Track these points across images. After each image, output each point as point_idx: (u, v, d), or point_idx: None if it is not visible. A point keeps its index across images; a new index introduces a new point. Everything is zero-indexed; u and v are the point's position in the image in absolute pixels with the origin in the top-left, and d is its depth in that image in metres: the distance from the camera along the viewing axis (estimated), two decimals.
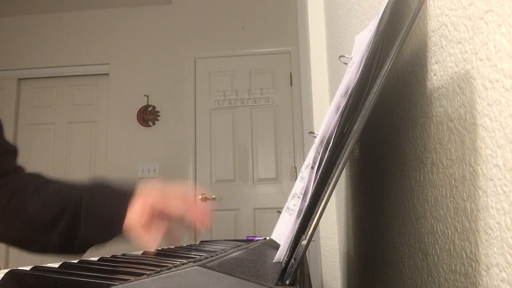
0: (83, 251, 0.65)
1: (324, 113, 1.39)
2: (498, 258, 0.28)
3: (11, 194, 0.66)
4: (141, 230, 0.57)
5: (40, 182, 0.68)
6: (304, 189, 0.42)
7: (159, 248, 0.59)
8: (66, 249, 0.65)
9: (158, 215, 0.59)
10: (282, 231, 0.56)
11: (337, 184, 0.35)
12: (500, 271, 0.27)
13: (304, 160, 2.80)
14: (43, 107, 3.52)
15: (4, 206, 0.65)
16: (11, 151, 0.72)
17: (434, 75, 0.39)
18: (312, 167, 0.42)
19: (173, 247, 0.67)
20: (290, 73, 3.32)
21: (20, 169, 0.72)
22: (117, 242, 0.63)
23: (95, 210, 0.61)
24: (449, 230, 0.35)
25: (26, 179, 0.69)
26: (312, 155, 0.49)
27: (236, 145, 3.28)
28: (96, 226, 0.61)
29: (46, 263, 0.37)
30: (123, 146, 3.33)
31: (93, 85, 3.54)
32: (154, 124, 3.35)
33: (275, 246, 0.60)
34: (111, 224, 0.59)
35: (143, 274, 0.28)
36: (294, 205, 0.52)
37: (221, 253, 0.44)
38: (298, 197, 0.47)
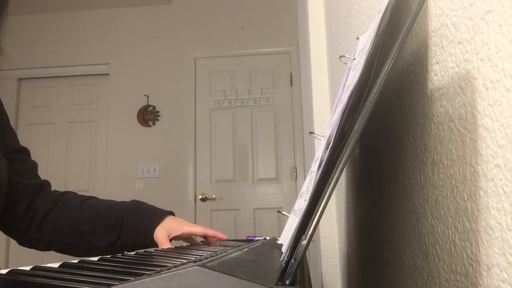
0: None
1: (324, 113, 1.39)
2: (499, 258, 0.28)
3: (49, 207, 0.78)
4: (165, 239, 0.73)
5: (81, 199, 0.81)
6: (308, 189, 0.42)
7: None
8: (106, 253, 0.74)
9: (181, 235, 0.77)
10: (287, 233, 0.57)
11: (337, 184, 0.35)
12: (501, 271, 0.27)
13: (304, 160, 2.78)
14: (43, 107, 3.52)
15: (42, 217, 0.77)
16: (37, 168, 0.84)
17: (435, 75, 0.39)
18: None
19: (173, 247, 0.67)
20: (290, 73, 3.32)
21: (48, 183, 0.83)
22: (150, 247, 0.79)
23: (133, 224, 0.76)
24: (450, 231, 0.35)
25: (66, 196, 0.82)
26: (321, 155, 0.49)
27: (236, 145, 3.28)
28: (133, 237, 0.76)
29: (46, 263, 0.37)
30: (123, 146, 3.33)
31: (93, 85, 3.54)
32: (154, 124, 3.35)
33: (275, 246, 0.60)
34: (145, 236, 0.75)
35: (143, 274, 0.28)
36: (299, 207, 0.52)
37: (221, 253, 0.44)
38: (305, 200, 0.47)
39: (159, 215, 0.78)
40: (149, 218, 0.77)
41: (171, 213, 0.80)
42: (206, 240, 0.79)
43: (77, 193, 0.85)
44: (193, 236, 0.80)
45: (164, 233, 0.74)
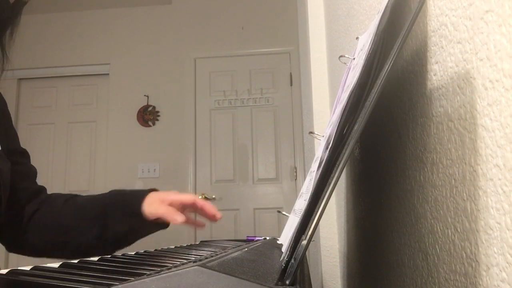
0: (112, 251, 0.74)
1: (324, 113, 1.39)
2: (498, 258, 0.28)
3: (35, 208, 0.76)
4: (161, 205, 0.69)
5: (65, 197, 0.78)
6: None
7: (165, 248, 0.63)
8: (97, 251, 0.73)
9: (171, 204, 0.71)
10: (287, 233, 0.57)
11: (337, 184, 0.35)
12: (500, 271, 0.27)
13: (304, 160, 2.77)
14: (43, 107, 3.52)
15: (27, 220, 0.75)
16: (35, 173, 0.82)
17: (434, 75, 0.39)
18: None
19: (173, 247, 0.67)
20: (290, 73, 3.32)
21: (44, 188, 0.81)
22: (144, 234, 0.75)
23: (118, 209, 0.72)
24: (449, 230, 0.35)
25: (51, 197, 0.79)
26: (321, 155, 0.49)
27: (236, 145, 3.28)
28: (122, 221, 0.71)
29: (46, 263, 0.37)
30: (123, 146, 3.33)
31: (93, 85, 3.54)
32: (154, 124, 3.35)
33: (275, 246, 0.60)
34: (134, 216, 0.70)
35: (143, 274, 0.28)
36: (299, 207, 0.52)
37: (221, 253, 0.44)
38: (305, 200, 0.47)
39: (141, 192, 0.74)
40: (132, 197, 0.73)
41: (154, 190, 0.76)
42: (194, 224, 0.75)
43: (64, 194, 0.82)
44: (188, 214, 0.76)
45: (157, 204, 0.70)
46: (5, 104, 0.79)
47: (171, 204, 0.71)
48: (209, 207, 0.73)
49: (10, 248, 0.77)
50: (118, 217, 0.72)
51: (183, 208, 0.74)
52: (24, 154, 0.81)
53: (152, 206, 0.70)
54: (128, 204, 0.72)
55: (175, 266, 0.32)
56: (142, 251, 0.58)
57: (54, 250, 0.75)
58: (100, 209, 0.73)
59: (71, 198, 0.78)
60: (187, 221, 0.74)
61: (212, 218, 0.74)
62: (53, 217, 0.75)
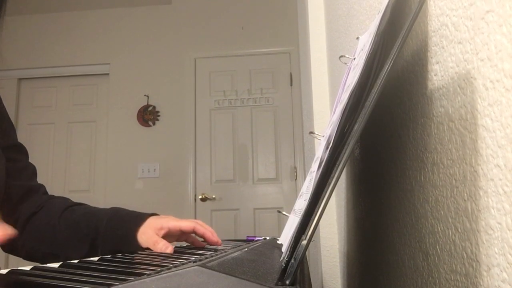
0: None
1: (324, 113, 1.39)
2: (499, 258, 0.28)
3: (33, 211, 0.75)
4: (154, 237, 0.66)
5: (64, 206, 0.76)
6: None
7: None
8: None
9: (169, 232, 0.69)
10: (287, 233, 0.57)
11: (337, 184, 0.35)
12: (501, 271, 0.27)
13: (304, 160, 2.77)
14: (43, 107, 3.51)
15: (24, 222, 0.74)
16: (33, 171, 0.80)
17: (435, 75, 0.39)
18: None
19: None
20: (290, 73, 3.32)
21: (42, 187, 0.80)
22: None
23: (111, 233, 0.71)
24: (450, 231, 0.35)
25: (52, 202, 0.78)
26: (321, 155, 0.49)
27: (236, 145, 3.28)
28: (112, 244, 0.70)
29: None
30: (123, 146, 3.33)
31: (93, 85, 3.54)
32: (154, 124, 3.35)
33: (275, 246, 0.60)
34: (125, 241, 0.69)
35: (143, 274, 0.28)
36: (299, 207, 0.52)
37: (221, 253, 0.44)
38: (305, 200, 0.47)
39: (139, 217, 0.71)
40: (128, 222, 0.71)
41: (154, 214, 0.73)
42: (190, 241, 0.73)
43: (68, 198, 0.79)
44: (193, 235, 0.73)
45: (150, 233, 0.68)
46: None
47: (169, 232, 0.68)
48: (209, 236, 0.69)
49: (5, 248, 0.75)
50: (109, 239, 0.70)
51: (182, 234, 0.72)
52: (22, 150, 0.79)
53: (143, 236, 0.68)
54: (122, 228, 0.70)
55: (175, 266, 0.32)
56: (142, 251, 0.58)
57: (46, 259, 0.73)
58: (94, 228, 0.71)
59: (69, 208, 0.76)
60: (187, 241, 0.73)
61: (213, 245, 0.71)
62: (48, 227, 0.73)
